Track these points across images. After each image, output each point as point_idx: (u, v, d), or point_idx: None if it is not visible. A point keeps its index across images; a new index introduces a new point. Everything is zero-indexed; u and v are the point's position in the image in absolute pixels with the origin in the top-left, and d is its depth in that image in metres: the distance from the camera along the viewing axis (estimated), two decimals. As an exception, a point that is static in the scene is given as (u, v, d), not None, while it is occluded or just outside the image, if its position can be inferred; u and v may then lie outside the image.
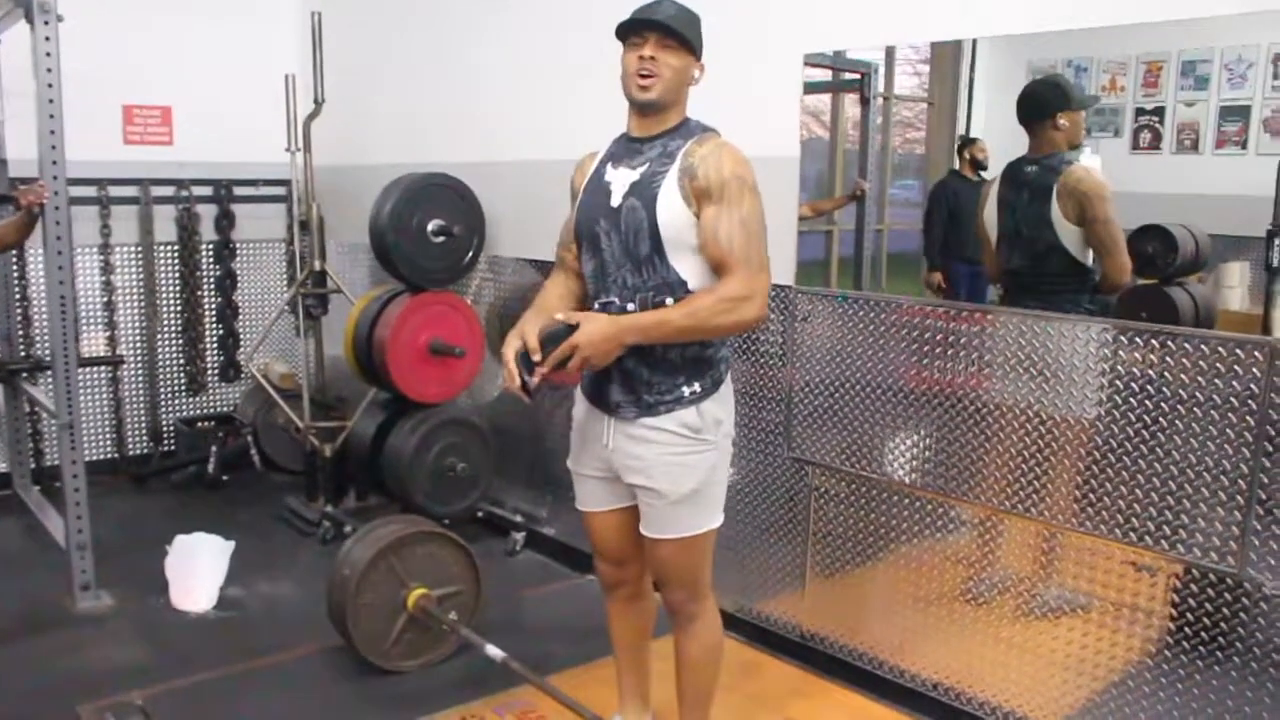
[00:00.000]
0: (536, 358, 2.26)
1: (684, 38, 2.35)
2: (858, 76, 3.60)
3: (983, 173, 3.31)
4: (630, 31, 2.38)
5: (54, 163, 3.76)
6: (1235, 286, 2.83)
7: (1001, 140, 3.16)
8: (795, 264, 3.43)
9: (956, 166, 3.39)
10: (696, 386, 2.40)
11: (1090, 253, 2.99)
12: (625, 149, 2.47)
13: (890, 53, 3.47)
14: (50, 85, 3.70)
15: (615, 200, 2.41)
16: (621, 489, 2.54)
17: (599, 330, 2.29)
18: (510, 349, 2.32)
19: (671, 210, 2.33)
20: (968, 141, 3.35)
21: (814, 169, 3.98)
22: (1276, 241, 2.61)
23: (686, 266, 2.37)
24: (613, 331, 2.29)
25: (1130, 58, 2.92)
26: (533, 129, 4.36)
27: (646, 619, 2.82)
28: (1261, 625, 2.53)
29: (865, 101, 3.60)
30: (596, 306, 2.44)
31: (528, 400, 2.32)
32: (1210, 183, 2.83)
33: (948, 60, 3.28)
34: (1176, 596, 2.68)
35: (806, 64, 3.39)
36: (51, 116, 3.72)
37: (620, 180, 2.42)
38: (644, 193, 2.35)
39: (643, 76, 2.36)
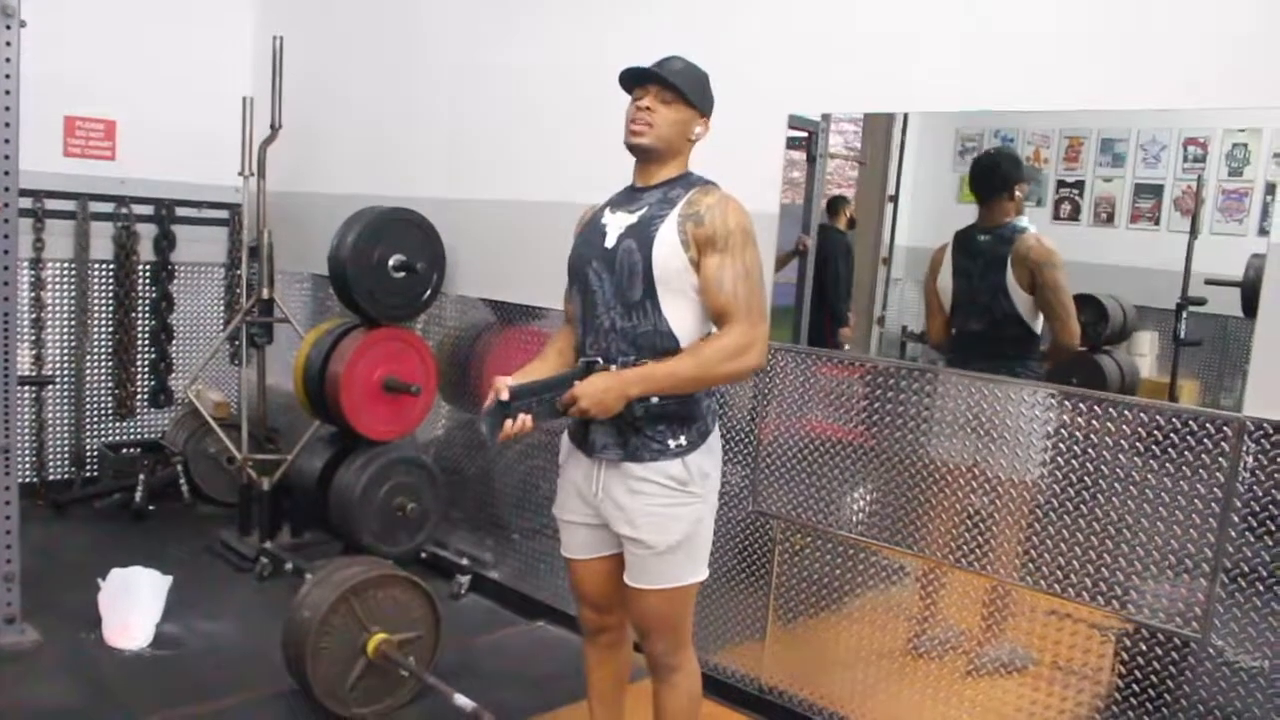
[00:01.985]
0: (504, 397, 2.25)
1: (682, 91, 2.41)
2: (805, 135, 3.66)
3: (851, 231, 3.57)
4: (632, 82, 2.45)
5: (5, 173, 3.62)
6: (1145, 354, 2.97)
7: (930, 200, 3.36)
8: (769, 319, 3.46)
9: (828, 222, 3.59)
10: (683, 439, 2.41)
11: (1039, 319, 3.10)
12: (626, 196, 2.52)
13: (825, 118, 3.53)
14: (8, 92, 3.58)
15: (610, 241, 2.43)
16: (608, 536, 2.54)
17: (601, 383, 2.30)
18: (492, 393, 2.30)
19: (667, 251, 2.35)
20: (843, 201, 3.61)
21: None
22: (1184, 314, 2.79)
23: (676, 314, 2.39)
24: (616, 384, 2.30)
25: (1054, 131, 3.06)
26: (500, 168, 4.34)
27: (624, 668, 2.80)
28: (1205, 684, 2.62)
29: (811, 160, 3.65)
30: (581, 362, 2.43)
31: (489, 443, 2.30)
32: (1125, 255, 2.97)
33: (880, 126, 3.39)
34: (1126, 657, 2.76)
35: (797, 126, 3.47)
36: (7, 125, 3.60)
37: (617, 223, 2.45)
38: (641, 234, 2.38)
39: (635, 124, 2.42)
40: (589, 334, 2.46)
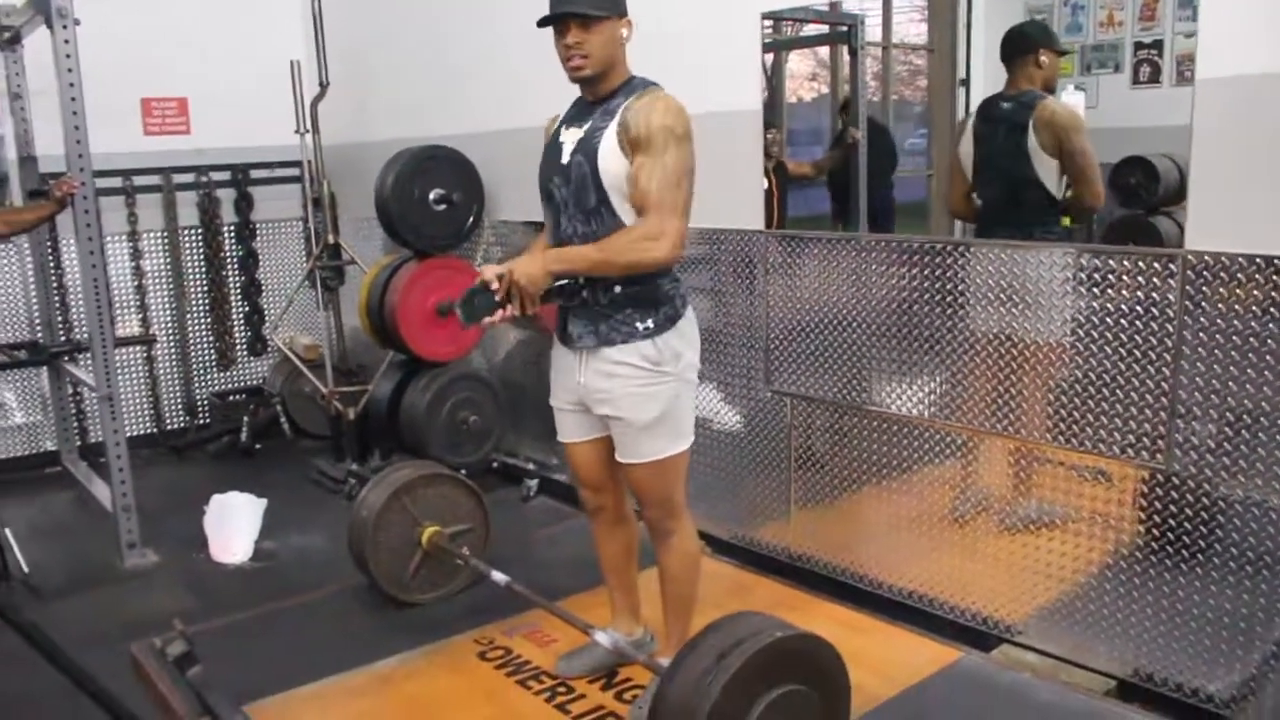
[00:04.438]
0: (495, 285, 2.47)
1: (599, 15, 2.54)
2: (845, 29, 3.74)
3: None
4: (550, 23, 2.59)
5: (79, 156, 4.04)
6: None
7: (1002, 82, 3.24)
8: (763, 208, 3.65)
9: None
10: (650, 321, 2.63)
11: (1061, 183, 3.15)
12: (578, 111, 2.72)
13: (887, 2, 3.58)
14: (72, 85, 3.98)
15: (565, 157, 2.65)
16: (594, 420, 2.80)
17: (527, 261, 2.54)
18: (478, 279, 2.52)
19: (609, 161, 2.56)
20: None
21: (821, 122, 4.17)
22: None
23: (630, 216, 2.59)
24: (539, 260, 2.53)
25: None
26: (522, 98, 4.59)
27: (629, 541, 3.08)
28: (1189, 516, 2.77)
29: (854, 53, 3.73)
30: None
31: (464, 325, 2.51)
32: None
33: (945, 5, 3.41)
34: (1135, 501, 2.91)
35: (775, 18, 3.59)
36: (75, 113, 4.00)
37: (570, 139, 2.66)
38: (587, 147, 2.59)
39: (571, 61, 2.59)
40: (557, 241, 2.71)
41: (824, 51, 4.04)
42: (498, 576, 3.25)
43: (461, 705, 2.98)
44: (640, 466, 2.75)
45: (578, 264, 2.56)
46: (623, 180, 2.56)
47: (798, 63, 3.90)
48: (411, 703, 3.00)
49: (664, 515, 2.83)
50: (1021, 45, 3.17)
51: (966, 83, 3.46)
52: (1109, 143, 3.10)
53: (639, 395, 2.67)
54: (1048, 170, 3.15)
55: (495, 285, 2.46)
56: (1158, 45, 2.96)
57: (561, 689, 3.04)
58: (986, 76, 3.37)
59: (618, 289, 2.60)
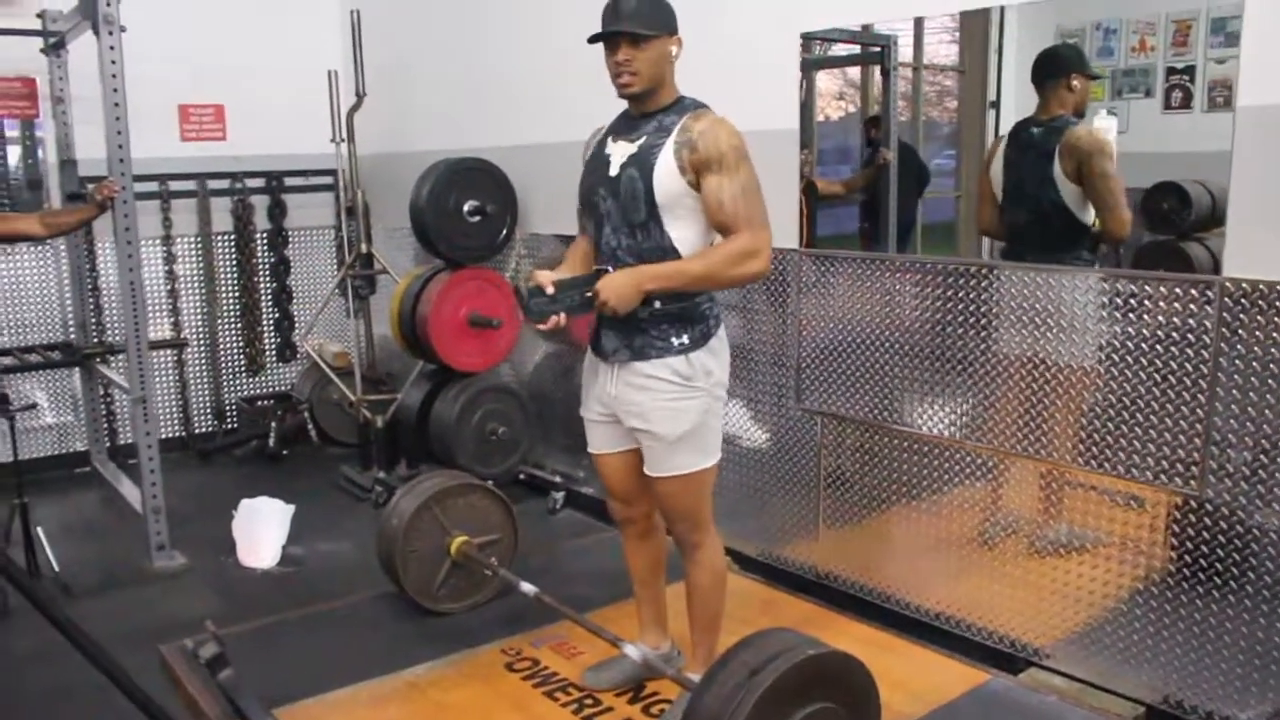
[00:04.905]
0: (550, 290, 2.53)
1: (650, 34, 2.57)
2: (878, 49, 3.75)
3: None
4: (602, 39, 2.62)
5: (120, 161, 4.10)
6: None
7: (1032, 104, 3.23)
8: (798, 227, 3.68)
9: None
10: (685, 338, 2.66)
11: (1088, 211, 3.14)
12: (625, 125, 2.74)
13: (919, 23, 3.58)
14: (116, 90, 4.04)
15: (614, 170, 2.67)
16: (624, 433, 2.82)
17: (620, 278, 2.56)
18: (532, 282, 2.60)
19: (665, 179, 2.58)
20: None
21: (853, 142, 4.18)
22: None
23: (677, 232, 2.62)
24: (632, 280, 2.56)
25: (1160, 16, 2.96)
26: (560, 113, 4.64)
27: (658, 554, 3.09)
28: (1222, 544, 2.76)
29: (886, 73, 3.73)
30: (594, 270, 2.70)
31: (539, 326, 2.58)
32: None
33: (978, 28, 3.38)
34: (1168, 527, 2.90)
35: (812, 40, 3.61)
36: (118, 119, 4.06)
37: (619, 152, 2.68)
38: (642, 162, 2.61)
39: (621, 78, 2.62)
40: (600, 253, 2.74)
41: (852, 71, 4.06)
42: (527, 587, 3.27)
43: (490, 715, 3.00)
44: (668, 480, 2.77)
45: (676, 281, 2.59)
46: (676, 196, 2.59)
47: (826, 82, 3.92)
48: (440, 711, 3.02)
49: (690, 529, 2.84)
50: (1053, 69, 3.17)
51: (997, 104, 3.45)
52: (1140, 168, 3.08)
53: (669, 409, 2.69)
54: (1074, 197, 3.14)
55: (550, 290, 2.53)
56: (1189, 71, 2.93)
57: (589, 701, 3.05)
58: (1018, 98, 3.35)
59: (657, 304, 2.63)
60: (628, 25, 2.56)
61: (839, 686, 2.33)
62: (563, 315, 2.57)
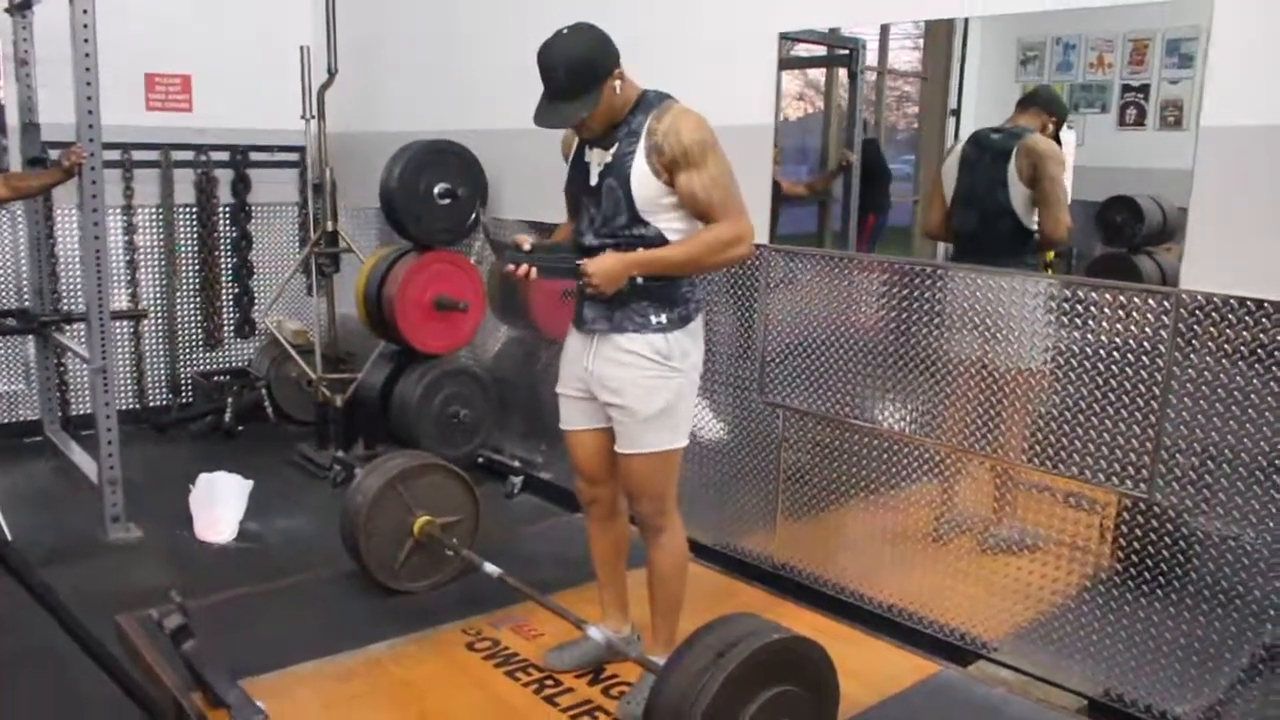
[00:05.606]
0: (526, 248, 2.67)
1: (588, 96, 2.58)
2: (846, 52, 3.83)
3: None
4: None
5: (90, 126, 4.06)
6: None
7: (992, 113, 3.38)
8: (769, 221, 3.75)
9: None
10: (664, 318, 2.72)
11: (1034, 216, 3.27)
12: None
13: (884, 29, 3.67)
14: (87, 55, 4.00)
15: (593, 180, 2.73)
16: (597, 411, 2.87)
17: (610, 259, 2.64)
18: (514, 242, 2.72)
19: (642, 185, 2.64)
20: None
21: (811, 142, 4.25)
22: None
23: (664, 225, 2.68)
24: (620, 262, 2.64)
25: (1117, 35, 3.05)
26: (532, 99, 4.63)
27: (620, 537, 3.14)
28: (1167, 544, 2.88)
29: (853, 76, 3.82)
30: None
31: (509, 267, 2.70)
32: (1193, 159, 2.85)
33: (941, 37, 3.47)
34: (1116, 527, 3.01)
35: (788, 40, 3.67)
36: (88, 84, 4.03)
37: (596, 160, 2.73)
38: (618, 172, 2.66)
39: (582, 132, 2.71)
40: (585, 246, 2.78)
41: (813, 73, 4.13)
42: (490, 568, 3.30)
43: (452, 692, 3.03)
44: (638, 458, 2.82)
45: (660, 267, 2.66)
46: (655, 199, 2.65)
47: (787, 82, 3.98)
48: (403, 687, 3.04)
49: (655, 511, 2.89)
50: (1041, 103, 3.25)
51: (957, 112, 3.54)
52: (1093, 181, 3.20)
53: (644, 386, 2.75)
54: (1022, 200, 3.26)
55: (526, 247, 2.67)
56: (1144, 89, 3.03)
57: (549, 681, 3.09)
58: (978, 106, 3.47)
59: (639, 280, 2.69)
60: (564, 113, 2.60)
61: (802, 671, 2.39)
62: (534, 270, 2.67)
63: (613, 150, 2.69)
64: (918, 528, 3.49)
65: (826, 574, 3.76)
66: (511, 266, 2.68)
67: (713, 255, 2.67)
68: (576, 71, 2.58)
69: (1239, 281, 2.65)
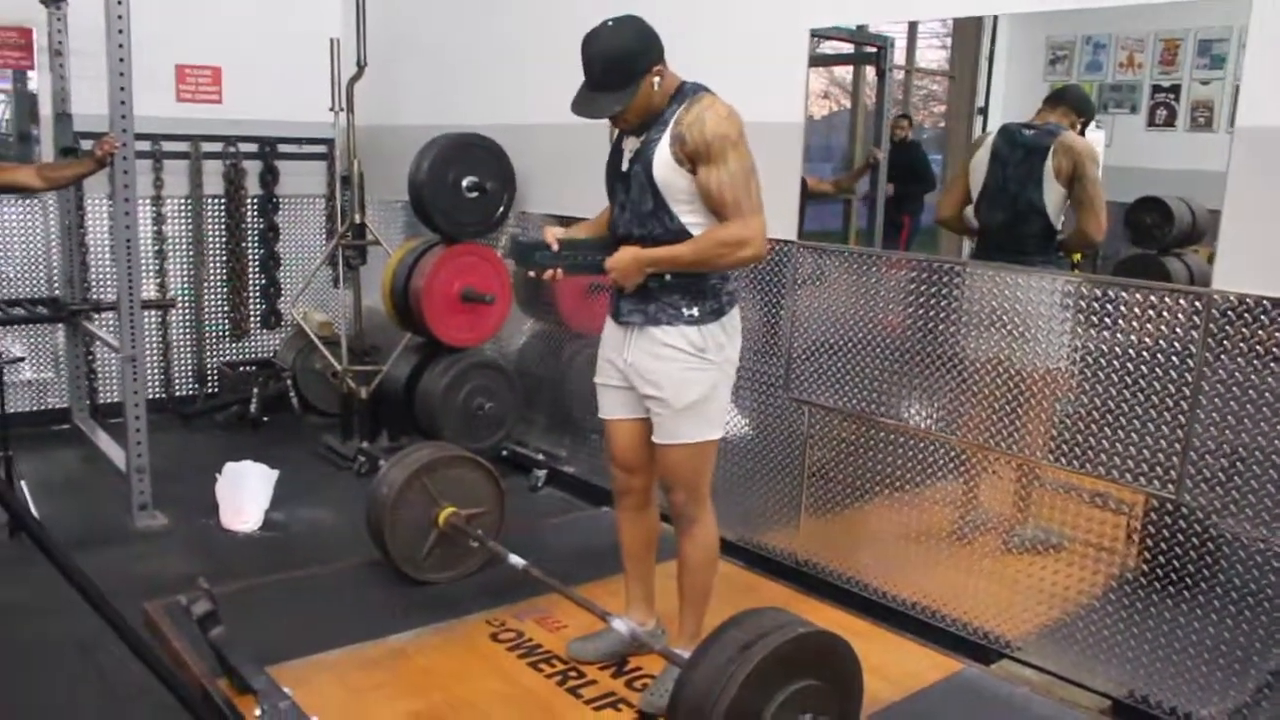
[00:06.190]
0: (555, 247, 2.72)
1: (625, 91, 2.60)
2: (874, 50, 3.83)
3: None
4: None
5: (122, 117, 4.10)
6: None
7: (1020, 112, 3.36)
8: (797, 218, 3.75)
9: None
10: (695, 310, 2.74)
11: (1060, 216, 3.25)
12: None
13: (913, 27, 3.67)
14: (121, 45, 4.04)
15: (625, 166, 2.78)
16: (635, 400, 2.90)
17: (626, 254, 2.70)
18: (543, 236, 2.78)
19: (664, 172, 2.67)
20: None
21: (836, 140, 4.25)
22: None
23: (688, 217, 2.70)
24: (634, 258, 2.69)
25: (1148, 35, 3.06)
26: (564, 95, 4.64)
27: (651, 530, 3.16)
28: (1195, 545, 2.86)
29: (881, 74, 3.82)
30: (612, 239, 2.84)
31: (525, 270, 2.78)
32: (1224, 160, 2.78)
33: (969, 35, 3.46)
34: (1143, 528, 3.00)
35: (818, 38, 3.67)
36: (122, 74, 4.06)
37: (630, 147, 2.78)
38: (644, 158, 2.70)
39: (617, 124, 2.74)
40: (618, 233, 2.83)
41: (839, 70, 4.12)
42: (516, 560, 3.32)
43: (476, 682, 3.05)
44: (675, 449, 2.84)
45: (669, 264, 2.70)
46: (679, 189, 2.67)
47: (813, 80, 3.98)
48: (427, 677, 3.06)
49: (689, 500, 2.91)
50: (1070, 102, 3.26)
51: (984, 110, 3.54)
52: (1121, 182, 3.20)
53: (680, 378, 2.77)
54: (1054, 199, 3.24)
55: (555, 247, 2.72)
56: (1175, 90, 3.03)
57: (573, 673, 3.10)
58: (1005, 105, 3.47)
59: (668, 277, 2.72)
60: (599, 105, 2.63)
61: (826, 665, 2.40)
62: (559, 270, 2.72)
63: (643, 138, 2.73)
64: (942, 526, 3.48)
65: (850, 570, 3.75)
66: (534, 273, 2.75)
67: (720, 256, 2.68)
68: (615, 65, 2.61)
69: (1272, 283, 2.63)
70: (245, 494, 4.38)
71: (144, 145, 5.63)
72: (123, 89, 4.08)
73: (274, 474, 4.46)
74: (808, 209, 3.87)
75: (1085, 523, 3.12)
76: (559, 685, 3.04)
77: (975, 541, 3.41)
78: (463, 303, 4.81)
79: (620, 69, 2.61)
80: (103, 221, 5.51)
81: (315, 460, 5.30)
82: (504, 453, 5.05)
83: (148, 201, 5.77)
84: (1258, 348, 2.67)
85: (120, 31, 4.03)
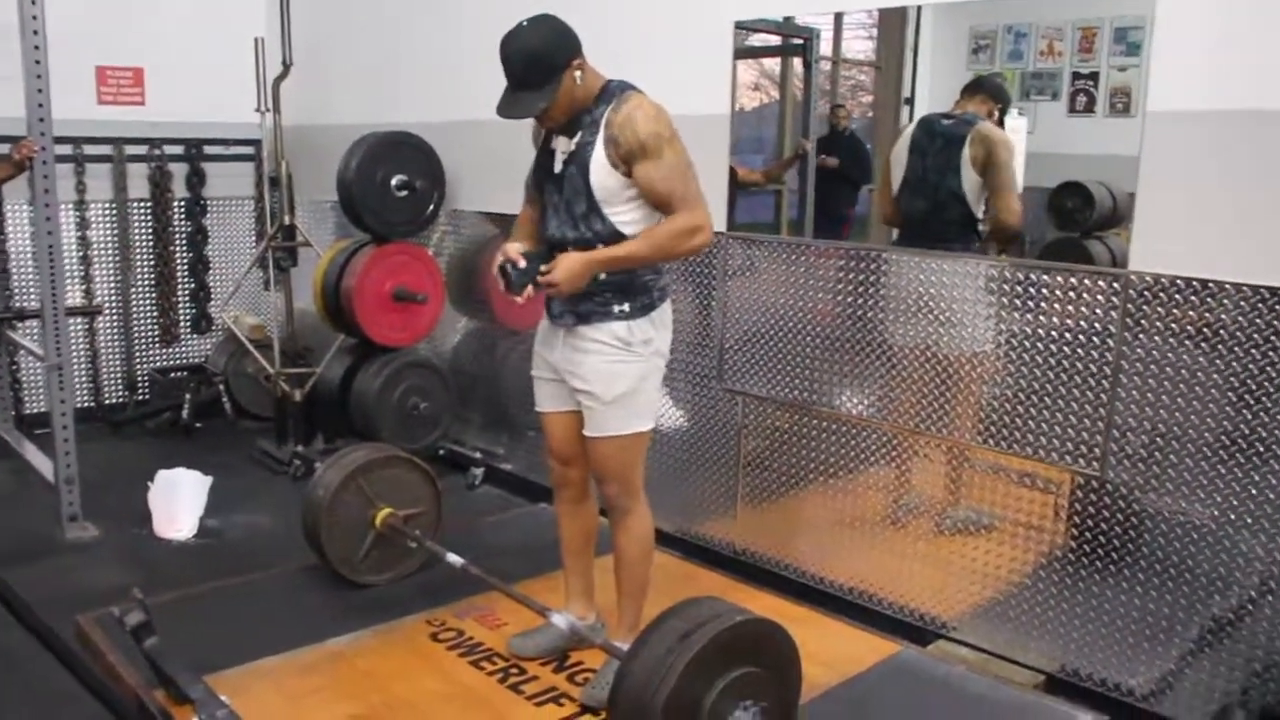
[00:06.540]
0: (521, 264, 2.68)
1: (546, 88, 2.61)
2: (800, 42, 3.87)
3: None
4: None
5: (40, 120, 4.01)
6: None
7: (945, 102, 3.41)
8: (726, 210, 3.78)
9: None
10: (625, 306, 2.77)
11: (981, 203, 3.32)
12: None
13: (838, 18, 3.68)
14: (36, 47, 3.95)
15: (557, 167, 2.78)
16: (568, 393, 2.91)
17: (573, 261, 2.67)
18: (495, 262, 2.74)
19: (601, 175, 2.68)
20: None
21: (767, 132, 4.28)
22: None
23: (622, 218, 2.72)
24: (583, 262, 2.68)
25: (1067, 23, 3.12)
26: (490, 90, 4.63)
27: (590, 523, 3.17)
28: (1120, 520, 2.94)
29: (808, 65, 3.85)
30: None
31: (517, 299, 2.70)
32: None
33: (895, 26, 3.52)
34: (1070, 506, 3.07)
35: (743, 30, 3.69)
36: (39, 77, 3.97)
37: (561, 148, 2.78)
38: (580, 161, 2.71)
39: (542, 122, 2.75)
40: (549, 242, 2.83)
41: (768, 62, 4.16)
42: (453, 559, 3.31)
43: (416, 683, 3.03)
44: (605, 441, 2.86)
45: (623, 263, 2.71)
46: (613, 190, 2.69)
47: (742, 72, 4.01)
48: (367, 679, 3.04)
49: (622, 493, 2.93)
50: (987, 90, 3.32)
51: (911, 101, 3.59)
52: (1044, 168, 3.26)
53: (607, 371, 2.80)
54: (972, 187, 3.31)
55: (522, 264, 2.67)
56: (1094, 77, 3.09)
57: (514, 670, 3.10)
58: (931, 95, 3.52)
59: (602, 275, 2.73)
60: (524, 104, 2.63)
61: (764, 652, 2.43)
62: (531, 287, 2.70)
63: (576, 139, 2.73)
64: (876, 510, 3.54)
65: (787, 558, 3.79)
66: (518, 298, 2.70)
67: (674, 246, 2.72)
68: (534, 63, 2.61)
69: (1184, 263, 2.71)
70: (179, 502, 4.30)
71: (65, 149, 5.50)
72: (40, 91, 3.99)
73: (208, 480, 4.39)
74: (740, 201, 3.91)
75: (1015, 502, 3.18)
76: (500, 682, 3.04)
77: (909, 525, 3.47)
78: (395, 302, 4.77)
79: (540, 65, 2.62)
80: (24, 227, 5.38)
81: (250, 465, 5.23)
82: (441, 452, 5.03)
83: (70, 206, 5.64)
84: (1173, 326, 2.75)
85: (35, 32, 3.94)
